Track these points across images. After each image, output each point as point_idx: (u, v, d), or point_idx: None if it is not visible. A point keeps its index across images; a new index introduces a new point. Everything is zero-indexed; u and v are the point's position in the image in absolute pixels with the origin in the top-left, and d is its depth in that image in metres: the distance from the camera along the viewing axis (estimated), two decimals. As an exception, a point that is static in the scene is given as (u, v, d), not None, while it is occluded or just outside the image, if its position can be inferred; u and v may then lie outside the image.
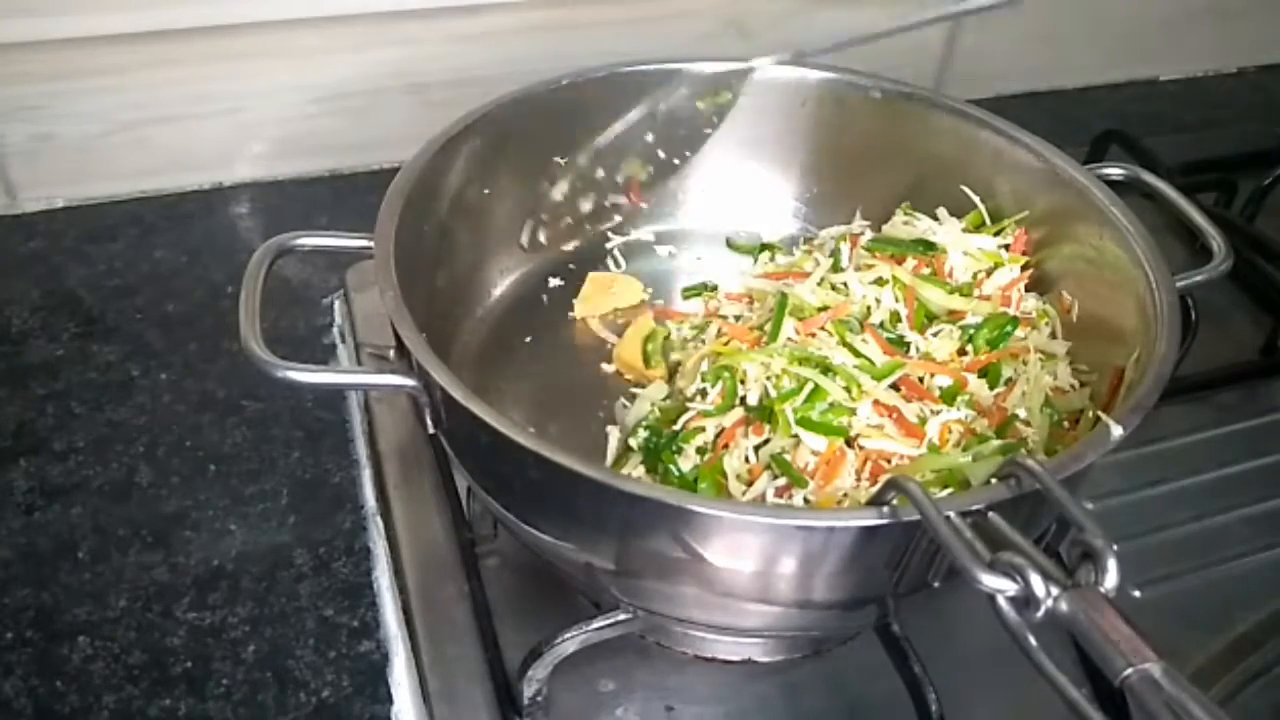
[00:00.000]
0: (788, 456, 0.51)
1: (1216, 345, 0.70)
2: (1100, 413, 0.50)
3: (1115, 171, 0.60)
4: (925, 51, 0.93)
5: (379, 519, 0.59)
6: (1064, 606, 0.34)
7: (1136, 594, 0.57)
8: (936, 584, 0.43)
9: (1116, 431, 0.43)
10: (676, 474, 0.52)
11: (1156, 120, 0.97)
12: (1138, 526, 0.61)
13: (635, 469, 0.54)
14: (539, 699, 0.50)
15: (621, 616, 0.48)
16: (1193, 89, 1.03)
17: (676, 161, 0.68)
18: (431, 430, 0.50)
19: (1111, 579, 0.35)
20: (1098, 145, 0.84)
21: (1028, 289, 0.60)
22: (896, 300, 0.58)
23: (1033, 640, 0.35)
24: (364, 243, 0.52)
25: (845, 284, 0.59)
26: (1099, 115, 0.95)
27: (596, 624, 0.48)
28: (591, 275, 0.68)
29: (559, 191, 0.66)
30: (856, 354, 0.54)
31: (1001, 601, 0.35)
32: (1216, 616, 0.57)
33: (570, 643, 0.48)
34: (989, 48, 0.94)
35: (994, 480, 0.43)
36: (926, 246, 0.61)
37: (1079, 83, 1.01)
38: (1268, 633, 0.56)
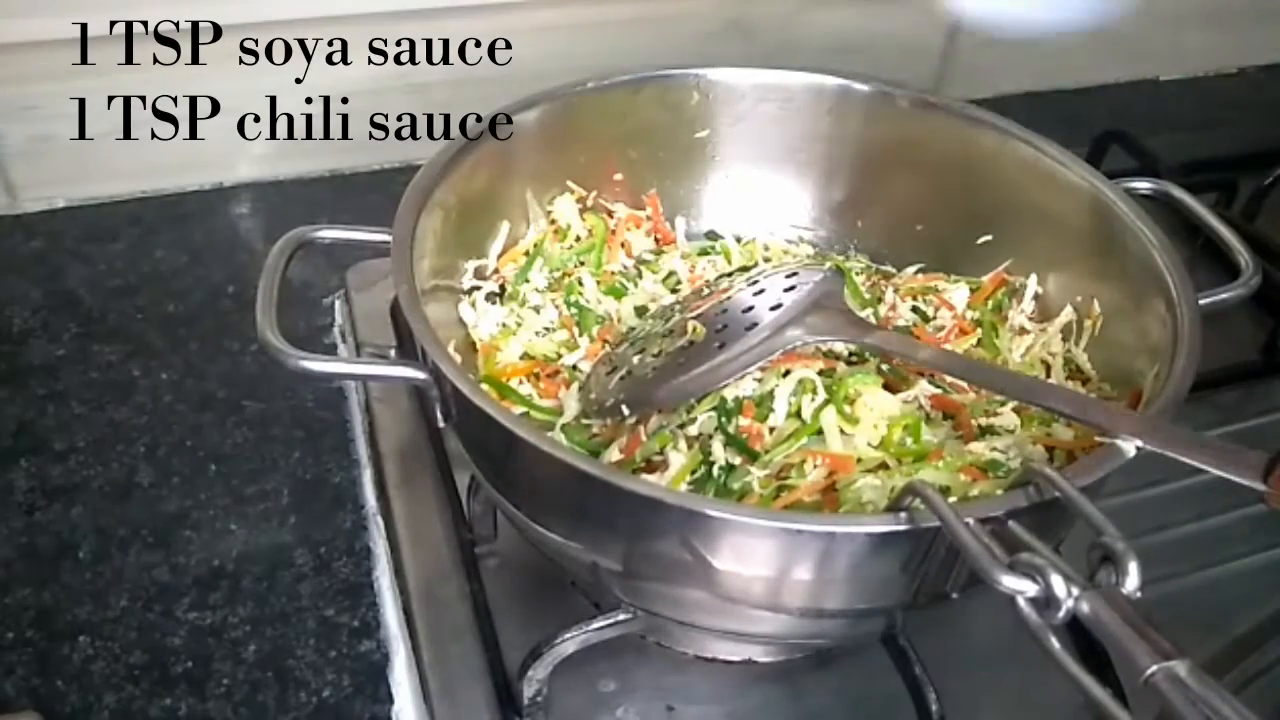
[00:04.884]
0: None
1: (1217, 344, 0.70)
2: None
3: (1143, 185, 0.59)
4: (925, 51, 0.93)
5: (379, 519, 0.59)
6: (1085, 607, 0.34)
7: (1137, 593, 0.57)
8: (955, 595, 0.43)
9: (1130, 449, 0.43)
10: None
11: (1157, 120, 0.97)
12: (1138, 526, 0.60)
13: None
14: (539, 699, 0.50)
15: (622, 616, 0.48)
16: (1193, 88, 1.03)
17: (696, 168, 0.67)
18: (441, 424, 0.50)
19: (1133, 580, 0.35)
20: (1098, 145, 0.84)
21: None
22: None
23: (1054, 642, 0.35)
24: (383, 237, 0.52)
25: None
26: (1099, 115, 0.95)
27: (597, 624, 0.48)
28: None
29: (579, 194, 0.65)
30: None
31: (1022, 603, 0.35)
32: (1217, 616, 0.57)
33: (570, 643, 0.48)
34: (989, 47, 0.94)
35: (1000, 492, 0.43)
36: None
37: (1079, 82, 1.01)
38: (1268, 633, 0.57)
